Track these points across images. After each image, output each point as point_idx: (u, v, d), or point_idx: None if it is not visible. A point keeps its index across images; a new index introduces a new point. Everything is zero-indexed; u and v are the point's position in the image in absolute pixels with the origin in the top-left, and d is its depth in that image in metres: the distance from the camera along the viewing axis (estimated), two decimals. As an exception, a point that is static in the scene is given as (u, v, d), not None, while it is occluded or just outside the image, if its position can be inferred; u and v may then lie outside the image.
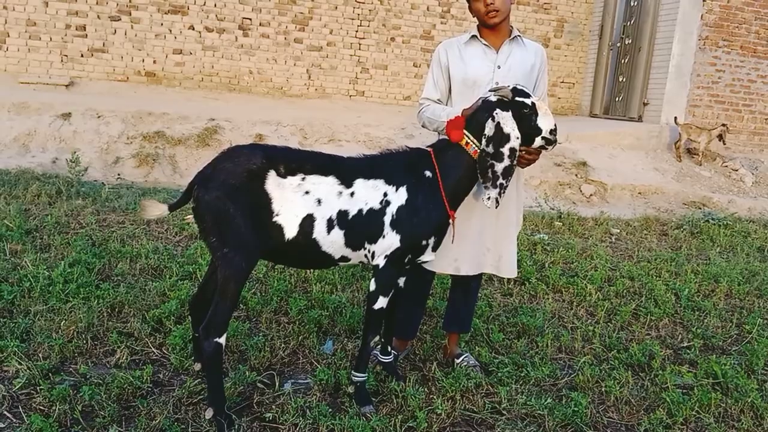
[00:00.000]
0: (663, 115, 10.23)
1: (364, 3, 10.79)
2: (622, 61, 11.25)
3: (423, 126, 3.15)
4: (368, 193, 2.65)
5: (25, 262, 4.02)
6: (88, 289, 3.66)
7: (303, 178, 2.59)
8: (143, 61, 10.03)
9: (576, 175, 8.98)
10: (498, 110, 2.66)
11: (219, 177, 2.50)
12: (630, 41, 11.09)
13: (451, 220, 2.79)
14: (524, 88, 2.74)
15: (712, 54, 10.40)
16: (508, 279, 4.60)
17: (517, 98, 2.69)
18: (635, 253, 5.92)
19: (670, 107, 10.23)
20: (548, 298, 4.39)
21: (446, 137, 2.78)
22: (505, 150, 2.65)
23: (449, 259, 3.08)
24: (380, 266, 2.70)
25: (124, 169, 7.41)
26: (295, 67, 10.69)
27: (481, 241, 3.10)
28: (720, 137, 9.81)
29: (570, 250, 5.61)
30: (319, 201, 2.58)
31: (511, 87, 2.72)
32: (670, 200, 8.89)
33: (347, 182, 2.64)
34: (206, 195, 2.49)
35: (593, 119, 11.57)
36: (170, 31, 10.06)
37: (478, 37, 3.05)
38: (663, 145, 10.15)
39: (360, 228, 2.64)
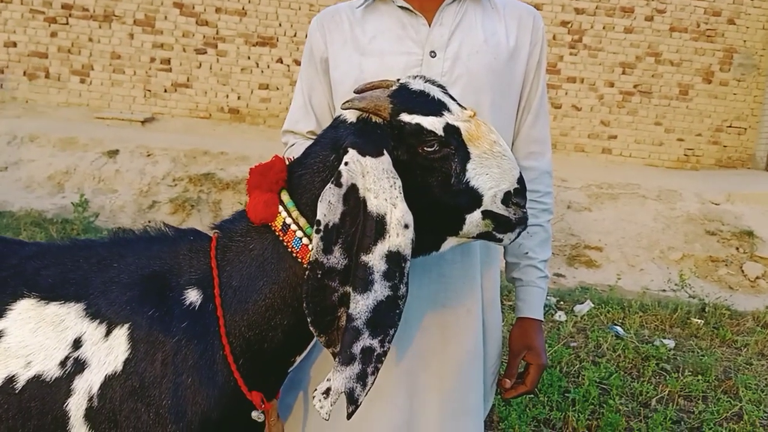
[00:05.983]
0: None
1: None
2: (814, 100, 8.65)
3: None
4: (38, 338, 1.09)
5: None
6: None
7: None
8: (227, 96, 9.20)
9: (737, 248, 6.64)
10: (353, 152, 1.00)
11: None
12: (825, 74, 8.49)
13: (260, 414, 1.14)
14: (429, 87, 1.05)
15: None
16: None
17: (403, 116, 1.01)
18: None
19: None
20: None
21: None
22: (373, 259, 0.97)
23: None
24: None
25: (158, 215, 6.39)
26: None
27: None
28: None
29: (702, 376, 3.56)
30: None
31: (395, 86, 1.05)
32: None
33: (-4, 303, 1.11)
34: None
35: (770, 174, 8.99)
36: (257, 64, 9.17)
37: (391, -7, 1.40)
38: None
39: (8, 420, 1.08)
